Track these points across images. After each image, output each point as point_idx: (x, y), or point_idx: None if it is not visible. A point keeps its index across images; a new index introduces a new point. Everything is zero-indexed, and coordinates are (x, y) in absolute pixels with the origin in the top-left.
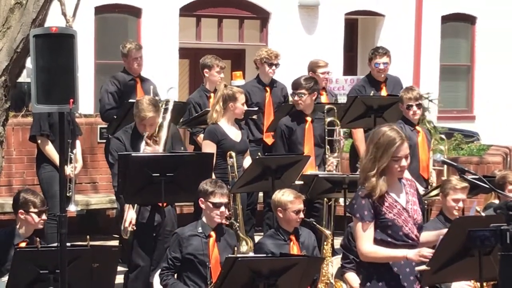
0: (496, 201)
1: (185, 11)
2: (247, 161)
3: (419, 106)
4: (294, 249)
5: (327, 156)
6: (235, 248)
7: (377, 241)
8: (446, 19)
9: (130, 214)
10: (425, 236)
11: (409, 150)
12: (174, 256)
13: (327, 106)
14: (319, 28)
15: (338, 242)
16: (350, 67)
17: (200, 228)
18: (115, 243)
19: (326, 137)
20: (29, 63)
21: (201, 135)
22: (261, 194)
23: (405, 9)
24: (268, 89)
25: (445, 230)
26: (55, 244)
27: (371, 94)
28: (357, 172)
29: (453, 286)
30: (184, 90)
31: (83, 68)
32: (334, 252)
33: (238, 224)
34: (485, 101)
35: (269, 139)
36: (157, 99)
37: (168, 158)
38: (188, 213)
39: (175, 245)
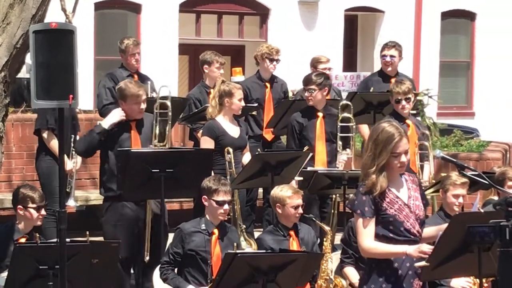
0: (495, 198)
1: (184, 7)
2: (246, 157)
3: (408, 100)
4: (294, 245)
5: (338, 152)
6: (235, 244)
7: (378, 237)
8: (445, 15)
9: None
10: (426, 231)
11: None
12: (175, 251)
13: (342, 102)
14: (319, 24)
15: (338, 238)
16: (350, 63)
17: (203, 225)
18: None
19: (339, 134)
20: (28, 58)
21: (201, 131)
22: (260, 190)
23: (405, 5)
24: (268, 85)
25: (445, 225)
26: (55, 240)
27: (371, 90)
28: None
29: (453, 282)
30: (184, 86)
31: (82, 64)
32: (334, 248)
33: (244, 226)
34: (485, 97)
35: (268, 135)
36: (154, 95)
37: (168, 154)
38: (188, 208)
39: (177, 241)
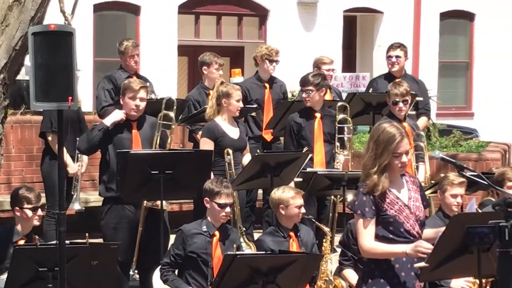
0: (492, 199)
1: (183, 9)
2: (247, 158)
3: (405, 102)
4: (294, 246)
5: (336, 153)
6: (234, 246)
7: (379, 238)
8: (444, 16)
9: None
10: (424, 233)
11: None
12: (176, 253)
13: (339, 103)
14: (318, 25)
15: (338, 239)
16: (349, 64)
17: (204, 227)
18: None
19: (337, 135)
20: (27, 60)
21: (200, 133)
22: (260, 191)
23: (404, 6)
24: (267, 85)
25: (443, 228)
26: (54, 242)
27: (370, 91)
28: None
29: (452, 283)
30: (183, 87)
31: (81, 65)
32: (333, 249)
33: (244, 229)
34: (484, 97)
35: (268, 136)
36: (153, 97)
37: (167, 155)
38: (188, 210)
39: (178, 242)
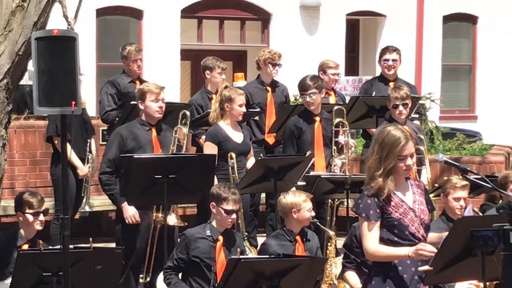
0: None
1: (186, 13)
2: (251, 162)
3: (406, 106)
4: (299, 250)
5: (333, 157)
6: (238, 250)
7: (384, 241)
8: (447, 19)
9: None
10: (428, 237)
11: None
12: (180, 257)
13: (336, 107)
14: (321, 29)
15: (340, 243)
16: (351, 68)
17: (208, 231)
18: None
19: (333, 138)
20: (31, 65)
21: (203, 137)
22: (263, 195)
23: (407, 9)
24: (269, 89)
25: (446, 233)
26: (58, 246)
27: (373, 95)
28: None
29: (456, 286)
30: (186, 91)
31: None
32: (337, 253)
33: (246, 233)
34: (487, 100)
35: (270, 139)
36: None
37: (171, 159)
38: (191, 214)
39: (182, 247)
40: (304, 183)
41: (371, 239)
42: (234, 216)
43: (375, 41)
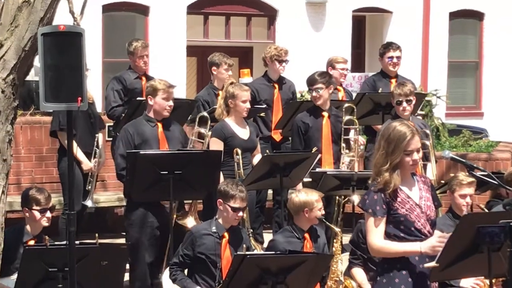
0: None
1: (192, 9)
2: (257, 159)
3: (409, 102)
4: (307, 247)
5: (342, 154)
6: (244, 246)
7: (390, 236)
8: (454, 15)
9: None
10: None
11: None
12: (185, 253)
13: (346, 104)
14: (327, 25)
15: (346, 239)
16: (358, 64)
17: (214, 228)
18: (124, 241)
19: (343, 136)
20: (37, 61)
21: (209, 133)
22: (270, 191)
23: (413, 5)
24: (276, 86)
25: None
26: (64, 242)
27: (379, 91)
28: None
29: (462, 283)
30: (192, 88)
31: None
32: (343, 249)
33: (251, 230)
34: (494, 97)
35: (277, 136)
36: None
37: (177, 155)
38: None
39: (188, 243)
40: (310, 179)
41: (376, 234)
42: (240, 213)
43: (381, 37)
